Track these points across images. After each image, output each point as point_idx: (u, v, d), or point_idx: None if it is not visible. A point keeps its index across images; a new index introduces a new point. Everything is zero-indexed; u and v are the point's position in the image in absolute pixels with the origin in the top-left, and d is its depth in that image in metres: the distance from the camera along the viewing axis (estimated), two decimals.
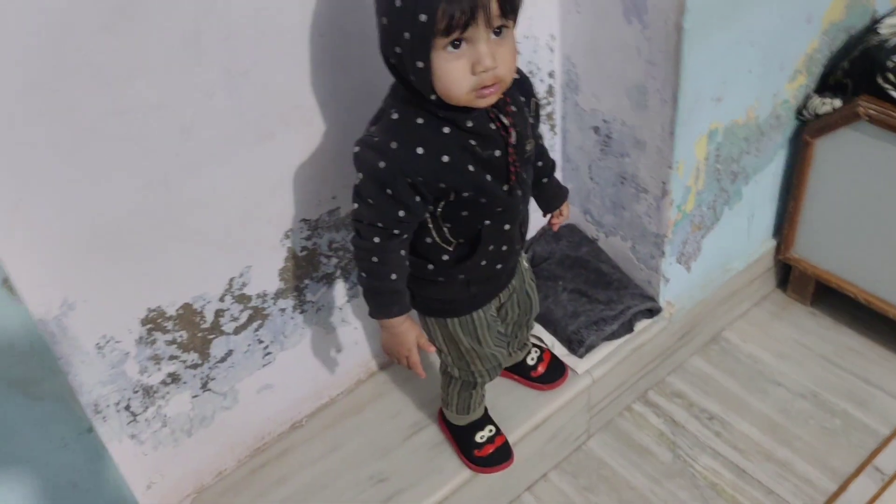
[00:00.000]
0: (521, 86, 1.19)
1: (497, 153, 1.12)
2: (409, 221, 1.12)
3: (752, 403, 1.78)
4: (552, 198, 1.41)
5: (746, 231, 1.82)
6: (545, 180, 1.38)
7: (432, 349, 1.26)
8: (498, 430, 1.50)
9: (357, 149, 1.08)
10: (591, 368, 1.63)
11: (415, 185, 1.07)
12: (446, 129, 1.07)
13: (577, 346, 1.62)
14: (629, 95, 1.49)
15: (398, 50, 1.00)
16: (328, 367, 1.59)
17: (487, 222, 1.17)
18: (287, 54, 1.21)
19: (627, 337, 1.67)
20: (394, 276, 1.16)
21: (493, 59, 1.00)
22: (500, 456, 1.48)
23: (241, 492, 1.50)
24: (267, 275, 1.39)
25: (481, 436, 1.48)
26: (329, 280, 1.49)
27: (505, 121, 1.11)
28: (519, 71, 1.19)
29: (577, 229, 1.83)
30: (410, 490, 1.47)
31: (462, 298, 1.27)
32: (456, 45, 0.98)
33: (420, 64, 0.99)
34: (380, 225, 1.11)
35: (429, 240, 1.18)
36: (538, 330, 1.68)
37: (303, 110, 1.28)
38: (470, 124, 1.08)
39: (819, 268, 1.85)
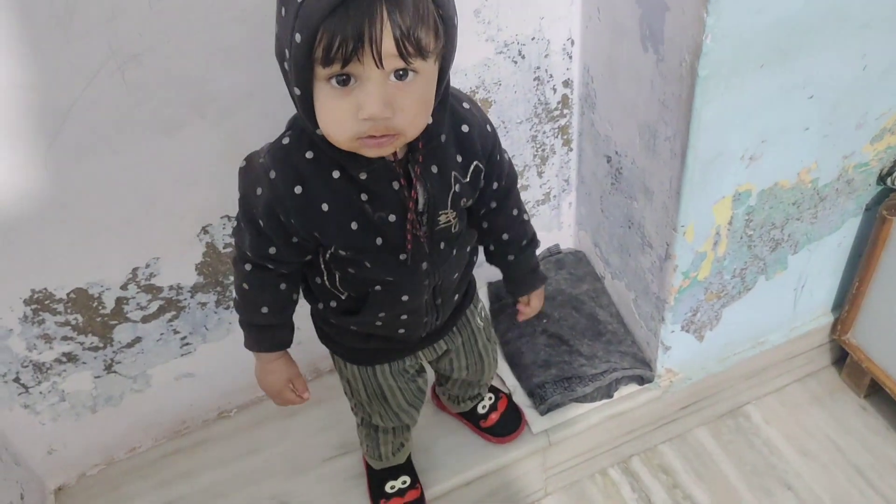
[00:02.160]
0: (463, 141, 0.93)
1: (392, 218, 0.90)
2: (282, 261, 0.95)
3: (748, 502, 1.50)
4: (518, 281, 1.16)
5: (792, 304, 1.49)
6: (511, 257, 1.11)
7: (305, 398, 1.09)
8: (414, 482, 1.33)
9: (243, 164, 0.91)
10: (549, 429, 1.41)
11: (287, 226, 0.89)
12: (335, 174, 0.87)
13: (539, 401, 1.40)
14: (640, 133, 1.21)
15: (285, 69, 0.79)
16: None
17: (378, 288, 0.97)
18: (196, 41, 1.03)
19: (605, 402, 1.43)
20: (265, 310, 0.99)
21: (385, 107, 0.76)
22: None
23: (147, 475, 1.43)
24: (181, 268, 1.26)
25: (392, 485, 1.32)
26: None
27: (412, 177, 0.89)
28: (474, 123, 0.93)
29: (584, 260, 1.57)
30: None
31: (360, 347, 1.09)
32: (342, 80, 0.75)
33: (297, 91, 0.78)
34: (249, 254, 0.94)
35: (318, 280, 1.00)
36: (502, 369, 1.47)
37: (220, 102, 1.10)
38: (363, 177, 0.87)
39: (875, 363, 1.51)
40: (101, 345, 1.28)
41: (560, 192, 1.52)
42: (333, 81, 0.75)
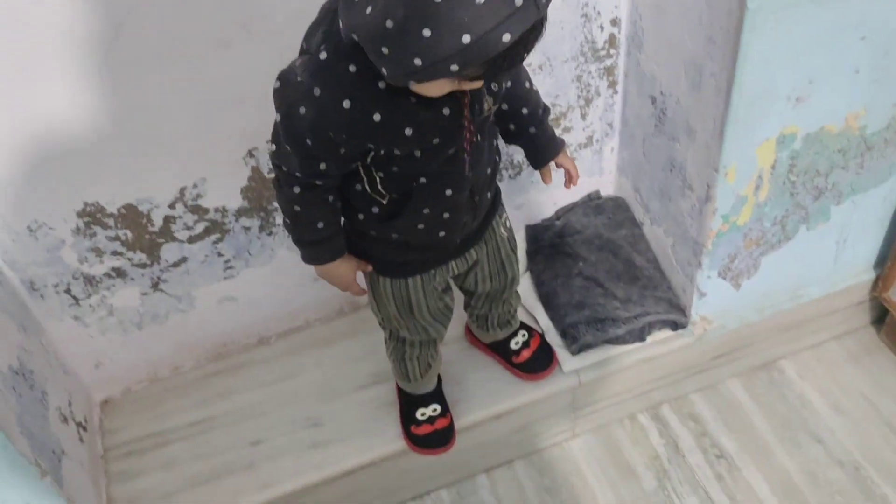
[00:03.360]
0: None
1: (446, 111, 0.91)
2: (333, 175, 0.96)
3: (776, 454, 1.50)
4: (542, 150, 1.17)
5: (833, 257, 1.48)
6: (532, 129, 1.14)
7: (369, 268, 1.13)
8: (444, 411, 1.36)
9: (277, 84, 0.92)
10: (580, 369, 1.42)
11: (338, 141, 0.90)
12: (381, 84, 0.88)
13: (571, 341, 1.42)
14: (686, 71, 1.20)
15: (385, 50, 0.77)
16: (303, 292, 1.50)
17: (423, 180, 0.98)
18: None
19: (637, 345, 1.44)
20: (320, 225, 1.02)
21: None
22: (435, 440, 1.35)
23: (188, 393, 1.48)
24: (227, 190, 1.29)
25: (422, 412, 1.35)
26: None
27: None
28: None
29: (624, 206, 1.57)
30: (340, 444, 1.38)
31: (396, 260, 1.11)
32: None
33: (412, 83, 0.83)
34: (298, 175, 0.96)
35: (358, 187, 1.01)
36: (536, 308, 1.49)
37: (269, 21, 1.12)
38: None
39: None
40: (148, 262, 1.33)
41: (603, 137, 1.51)
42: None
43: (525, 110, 1.11)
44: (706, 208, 1.27)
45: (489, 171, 1.06)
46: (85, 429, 1.39)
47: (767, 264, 1.42)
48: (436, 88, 0.84)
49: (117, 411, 1.47)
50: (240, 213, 1.32)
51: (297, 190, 0.97)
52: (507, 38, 0.72)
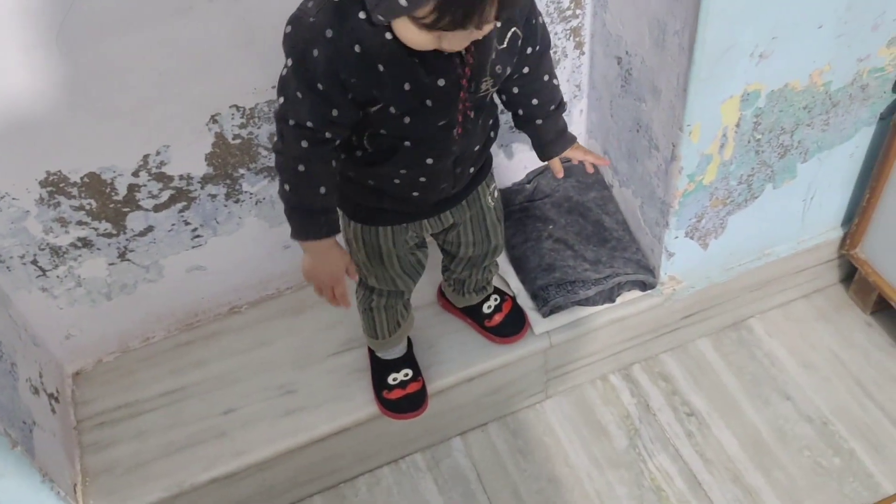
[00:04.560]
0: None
1: (441, 82, 0.92)
2: (342, 124, 0.95)
3: (745, 410, 1.52)
4: (547, 144, 1.19)
5: (800, 215, 1.49)
6: (539, 122, 1.15)
7: (356, 279, 1.13)
8: (416, 375, 1.37)
9: (289, 28, 0.90)
10: (551, 331, 1.43)
11: (349, 84, 0.90)
12: (388, 35, 0.88)
13: (542, 303, 1.43)
14: (650, 29, 1.19)
15: None
16: (273, 261, 1.50)
17: (407, 144, 0.99)
18: None
19: (607, 306, 1.45)
20: (323, 190, 0.98)
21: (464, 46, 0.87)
22: (407, 404, 1.35)
23: (160, 363, 1.48)
24: (190, 157, 1.28)
25: (394, 377, 1.36)
26: (271, 173, 1.36)
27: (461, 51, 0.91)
28: None
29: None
30: (313, 410, 1.39)
31: (369, 206, 1.11)
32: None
33: (380, 18, 0.84)
34: (309, 125, 0.93)
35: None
36: (507, 272, 1.49)
37: None
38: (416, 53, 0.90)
39: (883, 277, 1.51)
40: (114, 232, 1.32)
41: (571, 99, 1.51)
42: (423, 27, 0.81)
43: (535, 101, 1.12)
44: (672, 168, 1.28)
45: (478, 147, 1.07)
46: (57, 400, 1.38)
47: (734, 223, 1.43)
48: (413, 36, 0.84)
49: (89, 382, 1.47)
50: (205, 179, 1.31)
51: (304, 144, 0.94)
52: None
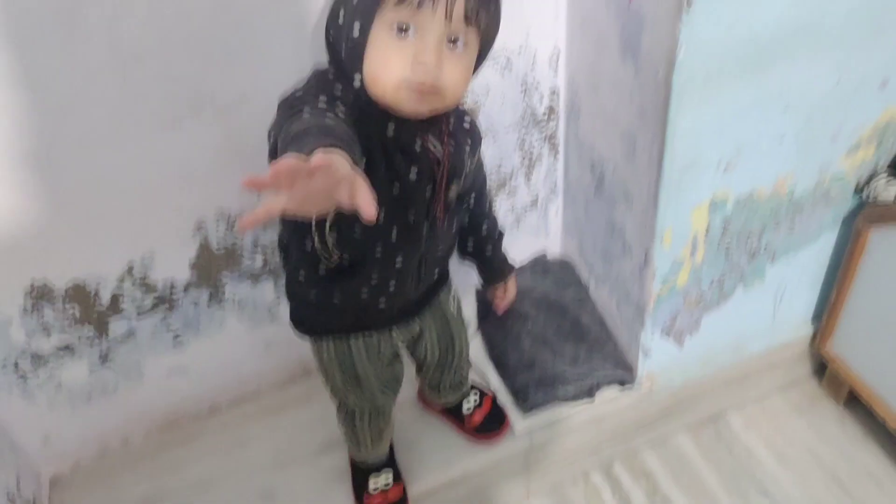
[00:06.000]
0: (471, 134, 1.05)
1: (413, 174, 0.95)
2: (347, 103, 0.90)
3: None
4: (495, 271, 1.30)
5: (771, 313, 1.53)
6: (489, 250, 1.25)
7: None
8: (397, 479, 1.36)
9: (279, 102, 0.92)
10: (532, 431, 1.44)
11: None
12: (367, 104, 0.91)
13: (522, 401, 1.44)
14: (622, 140, 1.25)
15: (341, 15, 0.87)
16: (254, 360, 1.51)
17: (379, 249, 1.00)
18: (194, 42, 1.08)
19: (587, 403, 1.47)
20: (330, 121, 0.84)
21: (438, 61, 0.86)
22: None
23: (139, 467, 1.47)
24: (175, 264, 1.30)
25: (375, 482, 1.35)
26: (254, 278, 1.38)
27: (436, 146, 0.96)
28: (472, 122, 1.05)
29: (570, 268, 1.61)
30: None
31: (333, 325, 1.12)
32: (403, 29, 0.84)
33: (357, 29, 0.86)
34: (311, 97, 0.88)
35: (309, 245, 0.99)
36: (487, 370, 1.51)
37: (217, 101, 1.15)
38: (391, 131, 0.92)
39: (853, 373, 1.54)
40: (96, 337, 1.32)
41: (547, 198, 1.56)
42: (395, 28, 0.84)
43: (484, 229, 1.21)
44: (646, 271, 1.31)
45: (442, 250, 1.10)
46: None
47: (708, 322, 1.46)
48: (383, 52, 0.85)
49: (67, 487, 1.45)
50: (189, 285, 1.33)
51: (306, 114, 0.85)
52: None
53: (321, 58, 0.95)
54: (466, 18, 0.85)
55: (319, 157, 0.61)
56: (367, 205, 0.63)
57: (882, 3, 1.12)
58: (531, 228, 1.60)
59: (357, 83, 0.89)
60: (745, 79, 1.10)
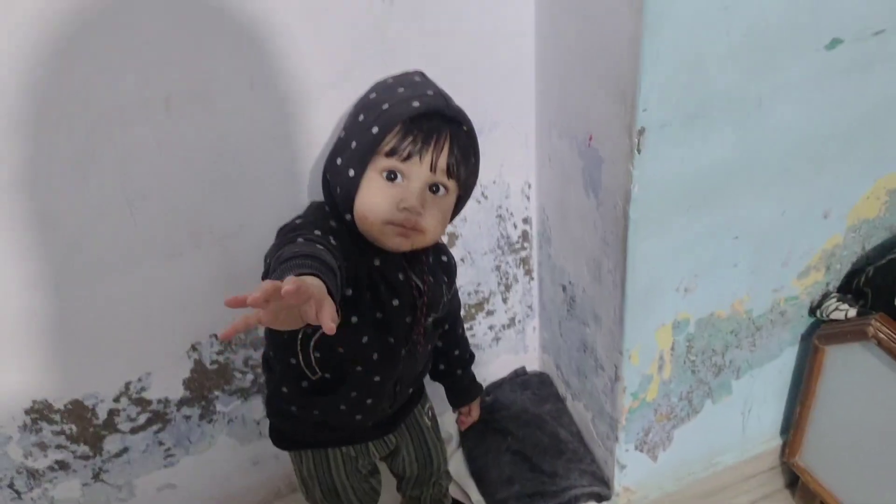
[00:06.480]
0: (448, 268, 1.18)
1: (395, 302, 1.06)
2: (338, 236, 0.98)
3: None
4: (461, 392, 1.39)
5: (741, 427, 1.59)
6: (460, 372, 1.35)
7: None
8: None
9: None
10: None
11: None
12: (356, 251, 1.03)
13: None
14: (588, 266, 1.35)
15: (339, 161, 0.99)
16: (242, 476, 1.55)
17: (359, 368, 1.09)
18: (196, 178, 1.19)
19: None
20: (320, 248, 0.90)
21: (421, 204, 0.97)
22: None
23: None
24: (169, 382, 1.37)
25: None
26: (244, 394, 1.45)
27: (417, 278, 1.08)
28: (449, 256, 1.19)
29: (548, 381, 1.69)
30: None
31: (315, 436, 1.20)
32: (392, 177, 0.97)
33: (352, 172, 0.97)
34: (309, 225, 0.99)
35: (293, 361, 1.09)
36: (468, 485, 1.55)
37: (215, 231, 1.25)
38: (377, 263, 1.03)
39: (823, 485, 1.59)
40: (91, 454, 1.37)
41: (524, 317, 1.65)
42: (385, 175, 0.96)
43: (456, 352, 1.31)
44: (616, 387, 1.39)
45: (418, 370, 1.20)
46: None
47: (680, 436, 1.52)
48: (374, 193, 0.97)
49: None
50: (181, 403, 1.40)
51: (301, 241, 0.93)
52: (416, 104, 0.94)
53: (313, 194, 1.07)
54: (448, 171, 0.99)
55: (291, 282, 0.70)
56: (327, 321, 0.71)
57: (818, 143, 1.24)
58: (510, 346, 1.68)
59: (348, 218, 1.00)
60: (696, 211, 1.21)
